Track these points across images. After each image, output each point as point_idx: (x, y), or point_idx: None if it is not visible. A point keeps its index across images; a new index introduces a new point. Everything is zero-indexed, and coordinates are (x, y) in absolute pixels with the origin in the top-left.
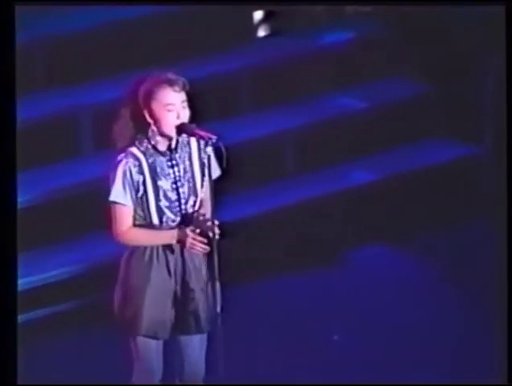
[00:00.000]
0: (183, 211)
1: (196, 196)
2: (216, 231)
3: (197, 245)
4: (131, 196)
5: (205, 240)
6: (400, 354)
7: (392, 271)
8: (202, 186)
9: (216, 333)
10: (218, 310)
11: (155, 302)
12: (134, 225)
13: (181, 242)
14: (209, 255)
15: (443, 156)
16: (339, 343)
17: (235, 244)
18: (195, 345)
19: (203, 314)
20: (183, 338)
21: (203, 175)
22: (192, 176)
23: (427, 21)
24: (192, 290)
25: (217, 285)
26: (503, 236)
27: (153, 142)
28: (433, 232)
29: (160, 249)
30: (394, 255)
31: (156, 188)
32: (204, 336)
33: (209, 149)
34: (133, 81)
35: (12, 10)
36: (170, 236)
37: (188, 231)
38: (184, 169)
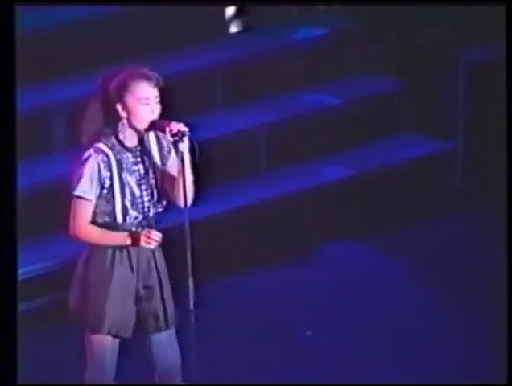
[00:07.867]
0: (146, 209)
1: (159, 193)
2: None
3: (152, 240)
4: (95, 192)
5: (159, 234)
6: (386, 352)
7: (366, 267)
8: (164, 181)
9: (188, 330)
10: (191, 306)
11: (117, 300)
12: (94, 222)
13: (135, 243)
14: (182, 251)
15: (417, 151)
16: (312, 339)
17: (208, 241)
18: (162, 342)
19: (162, 313)
20: (151, 337)
21: (163, 170)
22: (155, 172)
23: (399, 17)
24: (152, 288)
25: (190, 281)
26: (480, 229)
27: (121, 137)
28: (407, 228)
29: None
30: (368, 251)
31: (122, 185)
32: (173, 331)
33: (182, 146)
34: (104, 74)
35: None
36: (122, 238)
37: (142, 233)
38: (149, 165)
